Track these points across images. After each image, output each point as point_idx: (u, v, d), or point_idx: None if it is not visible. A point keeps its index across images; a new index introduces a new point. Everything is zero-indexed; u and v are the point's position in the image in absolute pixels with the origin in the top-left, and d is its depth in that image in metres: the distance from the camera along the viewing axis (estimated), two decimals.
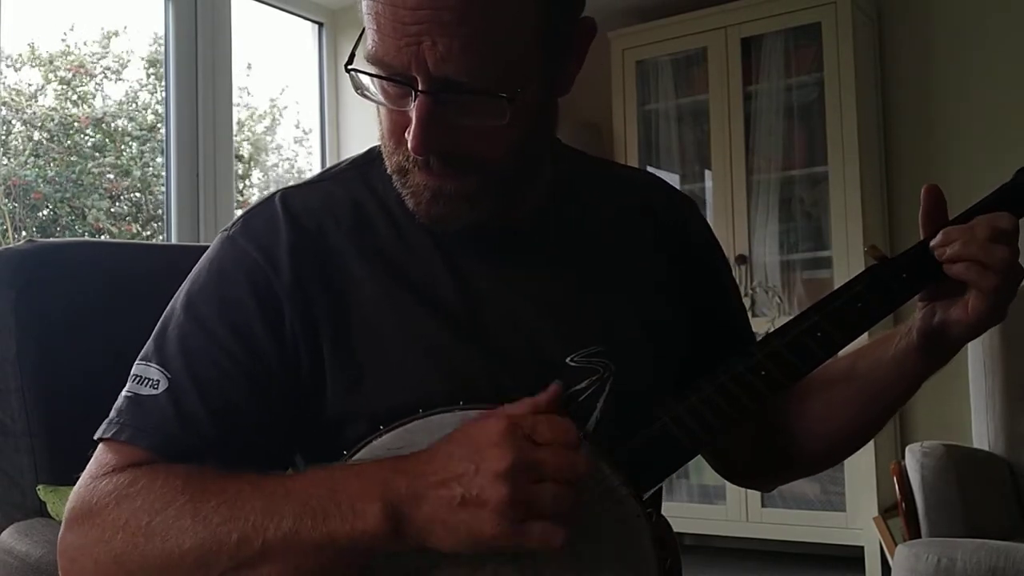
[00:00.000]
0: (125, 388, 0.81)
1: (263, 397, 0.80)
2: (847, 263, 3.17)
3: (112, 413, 0.80)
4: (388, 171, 0.84)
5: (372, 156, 0.92)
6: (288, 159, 3.63)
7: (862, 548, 3.10)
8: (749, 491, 3.27)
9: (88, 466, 0.79)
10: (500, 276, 0.87)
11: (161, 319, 0.84)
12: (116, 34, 3.02)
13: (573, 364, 0.85)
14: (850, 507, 3.16)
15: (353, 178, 0.90)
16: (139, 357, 0.82)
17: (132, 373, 0.82)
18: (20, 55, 2.83)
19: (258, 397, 0.80)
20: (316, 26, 3.56)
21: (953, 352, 0.86)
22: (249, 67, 3.33)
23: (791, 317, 0.85)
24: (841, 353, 0.87)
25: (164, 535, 0.71)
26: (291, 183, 0.93)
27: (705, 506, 3.43)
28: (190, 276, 0.86)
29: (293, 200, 0.87)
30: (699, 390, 0.81)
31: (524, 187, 0.87)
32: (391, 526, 0.69)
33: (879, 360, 0.89)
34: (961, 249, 0.80)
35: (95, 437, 0.80)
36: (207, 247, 0.88)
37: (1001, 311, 0.82)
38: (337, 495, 0.70)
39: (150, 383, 0.79)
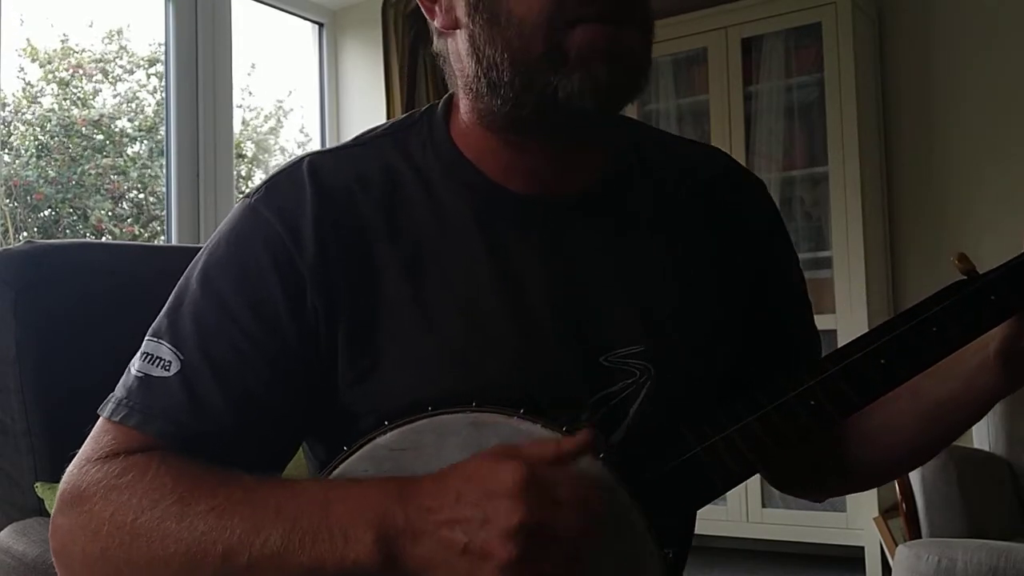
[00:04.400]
0: (135, 364, 0.76)
1: (282, 384, 0.75)
2: (847, 263, 3.17)
3: (120, 391, 0.75)
4: (529, 75, 0.73)
5: (411, 122, 0.85)
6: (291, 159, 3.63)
7: (862, 548, 3.09)
8: (749, 491, 3.27)
9: (85, 444, 0.75)
10: (540, 257, 0.79)
11: (175, 291, 0.78)
12: (116, 34, 3.02)
13: (606, 364, 0.78)
14: (850, 507, 3.15)
15: (388, 144, 0.83)
16: (150, 332, 0.77)
17: (142, 350, 0.76)
18: (30, 48, 2.82)
19: (277, 384, 0.75)
20: (316, 26, 3.56)
21: None
22: (253, 66, 3.33)
23: None
24: None
25: (149, 536, 0.68)
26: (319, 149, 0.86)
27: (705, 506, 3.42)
28: (207, 246, 0.80)
29: (321, 167, 0.80)
30: (737, 417, 0.72)
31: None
32: (383, 558, 0.64)
33: (946, 377, 0.79)
34: None
35: (100, 412, 0.75)
36: None
37: None
38: (329, 517, 0.66)
39: (161, 364, 0.74)
